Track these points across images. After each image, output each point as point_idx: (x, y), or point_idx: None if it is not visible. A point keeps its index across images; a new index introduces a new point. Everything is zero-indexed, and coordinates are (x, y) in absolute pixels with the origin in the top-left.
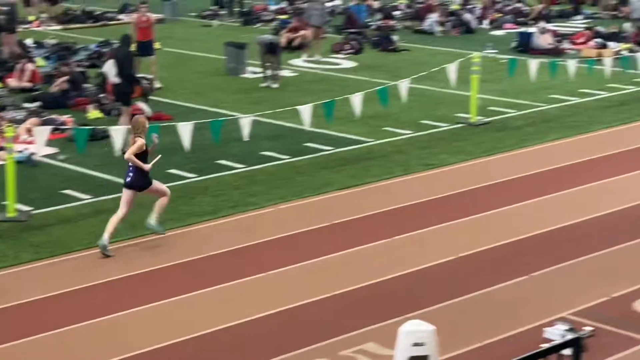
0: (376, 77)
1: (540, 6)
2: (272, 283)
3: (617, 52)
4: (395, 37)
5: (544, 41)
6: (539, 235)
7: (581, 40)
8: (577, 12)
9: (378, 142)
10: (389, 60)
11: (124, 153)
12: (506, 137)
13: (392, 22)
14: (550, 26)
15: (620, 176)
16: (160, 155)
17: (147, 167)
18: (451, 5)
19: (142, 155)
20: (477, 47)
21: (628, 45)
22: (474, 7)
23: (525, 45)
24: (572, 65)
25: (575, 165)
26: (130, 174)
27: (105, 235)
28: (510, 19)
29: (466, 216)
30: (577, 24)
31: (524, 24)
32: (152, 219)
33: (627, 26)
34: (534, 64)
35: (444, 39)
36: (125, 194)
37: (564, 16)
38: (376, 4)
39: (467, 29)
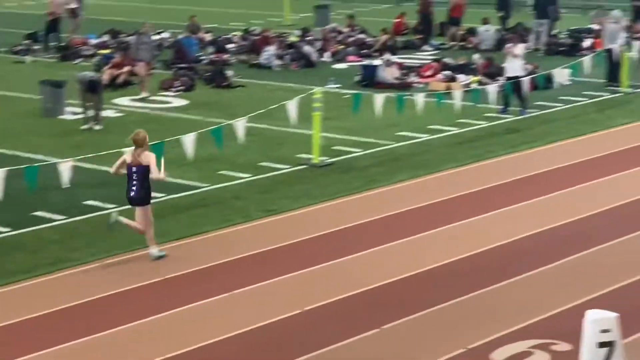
0: (210, 116)
1: (385, 37)
2: (95, 348)
3: (467, 85)
4: (229, 72)
5: (390, 74)
6: (390, 285)
7: (429, 72)
8: (424, 42)
9: (214, 187)
10: (224, 97)
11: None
12: (352, 179)
13: (225, 56)
14: (395, 58)
15: (474, 218)
16: (163, 160)
17: (163, 176)
18: (289, 37)
19: (147, 170)
20: (319, 82)
21: (477, 78)
22: (314, 39)
23: (370, 79)
24: (420, 99)
25: (426, 207)
26: (134, 189)
27: (124, 220)
28: (353, 51)
29: (311, 266)
30: (424, 55)
31: (368, 56)
32: (154, 250)
33: (476, 57)
34: (379, 99)
35: (282, 74)
36: (137, 210)
37: (410, 47)
38: (208, 37)
39: (308, 63)
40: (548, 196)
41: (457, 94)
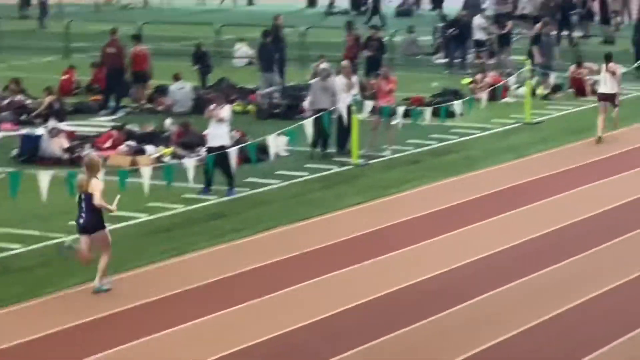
0: None
1: (49, 98)
2: None
3: (158, 159)
4: None
5: (57, 146)
6: None
7: (108, 144)
8: (104, 106)
9: None
10: None
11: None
12: (9, 285)
13: None
14: (64, 125)
15: (164, 332)
16: (119, 195)
17: (113, 208)
18: None
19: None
20: None
21: (171, 149)
22: None
23: (31, 153)
24: None
25: (108, 317)
26: (83, 216)
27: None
28: (9, 116)
29: None
30: (102, 121)
31: (29, 123)
32: (97, 282)
33: (168, 123)
34: (44, 179)
35: None
36: (83, 240)
37: (84, 111)
38: None
39: None
40: (265, 298)
41: (145, 170)
